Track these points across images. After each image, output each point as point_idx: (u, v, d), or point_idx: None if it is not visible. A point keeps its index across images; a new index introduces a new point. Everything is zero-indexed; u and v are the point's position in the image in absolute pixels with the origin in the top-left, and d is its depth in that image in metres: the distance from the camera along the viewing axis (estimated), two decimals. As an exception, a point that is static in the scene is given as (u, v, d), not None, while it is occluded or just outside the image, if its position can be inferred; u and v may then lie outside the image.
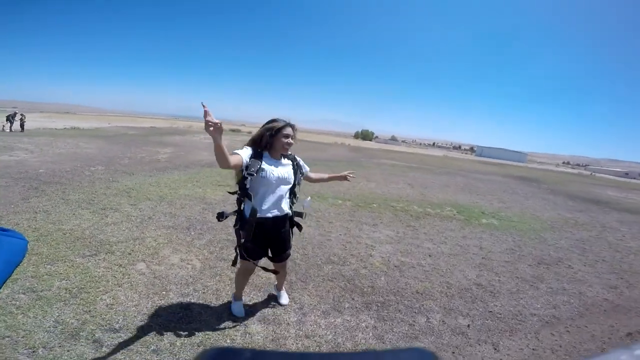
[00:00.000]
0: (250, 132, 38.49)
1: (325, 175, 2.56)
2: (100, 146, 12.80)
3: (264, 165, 1.96)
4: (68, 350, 1.96)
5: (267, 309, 2.61)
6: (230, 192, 2.20)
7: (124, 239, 3.71)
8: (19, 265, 2.89)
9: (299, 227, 2.34)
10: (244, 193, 1.97)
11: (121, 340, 2.08)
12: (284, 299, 2.67)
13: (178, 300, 2.59)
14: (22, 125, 18.04)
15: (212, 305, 2.57)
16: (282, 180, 2.03)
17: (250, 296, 2.77)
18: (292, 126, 2.05)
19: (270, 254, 2.29)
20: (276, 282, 2.75)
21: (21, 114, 19.17)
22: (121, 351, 1.99)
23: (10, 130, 17.45)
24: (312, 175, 2.42)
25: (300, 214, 2.30)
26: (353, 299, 2.90)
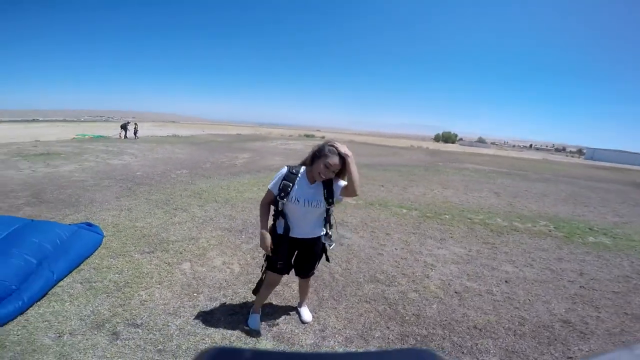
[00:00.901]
0: (323, 137, 39.44)
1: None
2: (190, 152, 14.41)
3: (295, 188, 1.92)
4: (87, 339, 2.09)
5: (286, 325, 2.40)
6: None
7: (181, 239, 3.89)
8: (88, 257, 3.21)
9: (327, 258, 2.22)
10: (278, 213, 1.99)
11: (136, 336, 2.15)
12: (306, 315, 2.47)
13: (205, 303, 2.59)
14: (135, 133, 21.60)
15: (235, 313, 2.49)
16: (311, 205, 1.93)
17: (277, 308, 2.60)
18: (342, 157, 1.83)
19: (295, 270, 2.26)
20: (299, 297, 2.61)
21: (135, 123, 23.02)
22: (129, 346, 2.06)
23: (125, 137, 21.08)
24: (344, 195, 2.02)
25: (330, 242, 2.15)
26: (388, 327, 2.44)
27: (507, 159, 26.36)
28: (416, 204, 6.46)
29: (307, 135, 41.10)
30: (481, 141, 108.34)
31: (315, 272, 2.33)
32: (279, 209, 1.96)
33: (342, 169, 1.88)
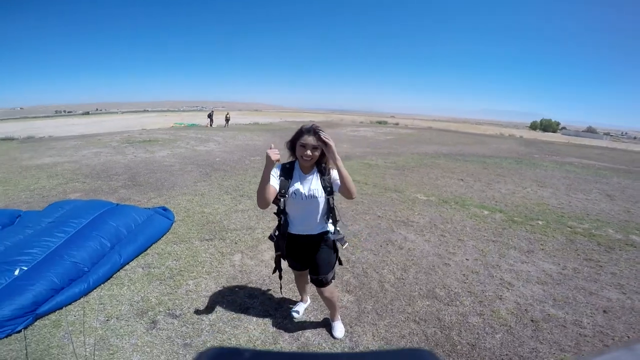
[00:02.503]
0: (397, 124, 37.63)
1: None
2: (266, 139, 15.10)
3: (293, 183, 1.84)
4: (128, 325, 2.21)
5: (316, 337, 2.21)
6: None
7: (240, 227, 3.97)
8: (156, 241, 3.46)
9: (339, 260, 2.10)
10: (279, 210, 1.90)
11: (170, 327, 2.22)
12: (338, 331, 2.25)
13: (243, 300, 2.57)
14: (227, 121, 23.57)
15: (268, 315, 2.42)
16: (311, 198, 1.84)
17: (314, 318, 2.42)
18: (313, 130, 1.73)
19: (310, 276, 2.13)
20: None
21: (227, 112, 25.21)
22: (161, 337, 2.12)
23: (211, 125, 23.21)
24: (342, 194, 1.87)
25: (341, 240, 2.00)
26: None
27: (625, 153, 21.20)
28: (501, 205, 5.52)
29: (380, 122, 39.62)
30: (591, 131, 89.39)
31: (333, 282, 2.08)
32: (281, 207, 1.87)
33: (324, 155, 1.77)
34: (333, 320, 2.28)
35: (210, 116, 24.29)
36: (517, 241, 3.93)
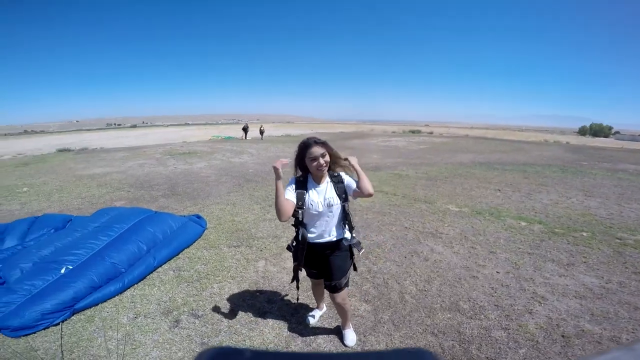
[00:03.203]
0: (431, 133, 36.53)
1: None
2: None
3: (309, 194, 1.91)
4: (153, 323, 2.37)
5: (329, 344, 2.23)
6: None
7: (266, 236, 4.09)
8: (189, 246, 3.67)
9: (354, 267, 2.13)
10: (297, 222, 1.96)
11: (192, 327, 2.35)
12: (349, 339, 2.25)
13: (262, 305, 2.64)
14: (261, 133, 24.28)
15: (284, 319, 2.47)
16: (328, 206, 1.91)
17: (328, 325, 2.44)
18: (320, 143, 1.84)
19: (325, 283, 2.16)
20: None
21: (261, 125, 26.07)
22: (181, 335, 2.25)
23: (245, 138, 24.06)
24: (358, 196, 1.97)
25: (357, 245, 2.04)
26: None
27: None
28: (542, 215, 5.17)
29: (413, 131, 38.63)
30: None
31: (346, 288, 2.10)
32: (300, 218, 1.92)
33: (333, 159, 1.91)
34: (344, 328, 2.28)
35: (245, 129, 25.25)
36: (556, 253, 3.66)
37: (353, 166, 1.93)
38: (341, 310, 2.16)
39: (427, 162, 11.80)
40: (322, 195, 1.89)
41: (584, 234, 4.35)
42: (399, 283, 2.96)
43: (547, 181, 8.22)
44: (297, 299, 2.56)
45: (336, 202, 1.90)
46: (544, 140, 30.52)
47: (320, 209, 1.88)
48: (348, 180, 1.94)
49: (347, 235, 2.02)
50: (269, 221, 4.70)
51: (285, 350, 2.07)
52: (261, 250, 3.63)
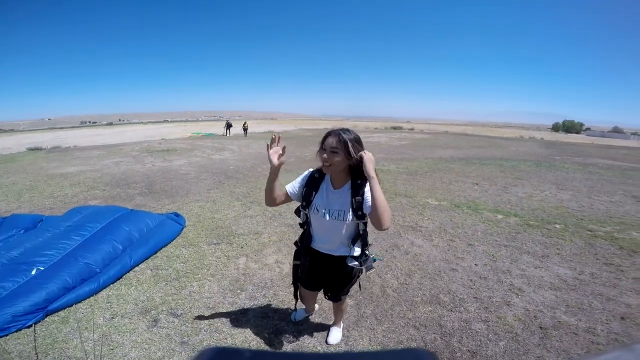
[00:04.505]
0: (412, 129, 37.15)
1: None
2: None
3: (318, 197, 1.64)
4: (131, 323, 2.31)
5: (312, 340, 2.21)
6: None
7: (247, 232, 4.03)
8: (166, 245, 3.57)
9: (359, 285, 2.03)
10: (303, 222, 1.77)
11: (171, 326, 2.30)
12: (332, 337, 2.18)
13: (243, 302, 2.61)
14: (245, 130, 23.86)
15: (266, 317, 2.44)
16: (333, 216, 1.60)
17: (313, 319, 2.42)
18: (335, 132, 1.52)
19: (324, 290, 1.99)
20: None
21: (245, 122, 25.67)
22: (160, 334, 2.21)
23: (228, 134, 23.68)
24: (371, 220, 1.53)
25: (367, 268, 1.73)
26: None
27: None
28: (517, 209, 5.36)
29: (395, 128, 39.24)
30: (617, 131, 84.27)
31: (346, 297, 2.02)
32: (302, 220, 1.75)
33: (357, 165, 1.51)
34: (333, 326, 2.24)
35: (228, 126, 24.83)
36: (531, 245, 3.80)
37: (366, 172, 1.45)
38: (338, 311, 2.12)
39: (407, 157, 11.99)
40: (333, 203, 1.60)
41: (557, 226, 4.53)
42: (380, 277, 2.98)
43: (523, 175, 8.53)
44: (295, 307, 2.23)
45: (345, 217, 1.58)
46: (519, 136, 31.65)
47: (323, 217, 1.61)
48: (369, 196, 1.48)
49: (357, 252, 1.70)
50: (250, 217, 4.64)
51: (285, 350, 2.05)
52: (242, 247, 3.58)
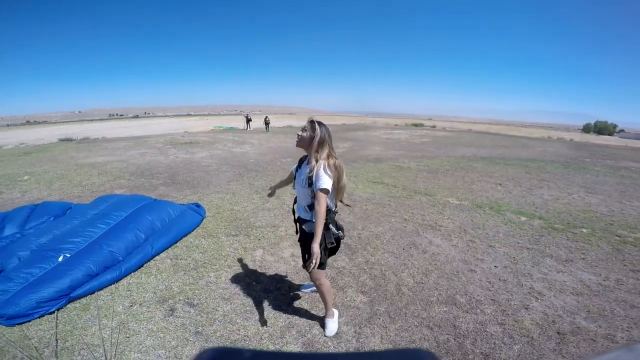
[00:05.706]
0: (434, 127, 36.32)
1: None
2: (298, 142, 15.30)
3: (300, 170, 2.05)
4: (148, 311, 2.38)
5: (323, 334, 2.21)
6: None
7: (265, 225, 4.08)
8: (187, 235, 3.67)
9: (326, 252, 2.04)
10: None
11: (186, 315, 2.35)
12: (329, 329, 2.20)
13: (258, 294, 2.64)
14: (266, 124, 23.92)
15: (280, 308, 2.48)
16: (298, 182, 2.01)
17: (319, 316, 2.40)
18: (312, 121, 1.93)
19: None
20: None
21: (266, 116, 25.87)
22: (176, 324, 2.26)
23: (248, 128, 23.98)
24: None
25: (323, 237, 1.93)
26: (441, 365, 1.93)
27: None
28: (542, 211, 5.15)
29: (416, 125, 38.43)
30: None
31: (320, 280, 2.06)
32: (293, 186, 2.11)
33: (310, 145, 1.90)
34: (324, 317, 2.24)
35: (248, 120, 25.15)
36: (554, 249, 3.65)
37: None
38: (320, 293, 2.16)
39: (428, 155, 11.73)
40: (303, 172, 1.97)
41: (584, 230, 4.32)
42: (396, 275, 2.95)
43: (549, 177, 8.17)
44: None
45: (304, 184, 1.92)
46: (547, 136, 30.27)
47: (296, 184, 2.02)
48: (316, 175, 1.83)
49: (310, 217, 1.98)
50: (268, 210, 4.69)
51: (285, 350, 2.07)
52: (259, 240, 3.63)
